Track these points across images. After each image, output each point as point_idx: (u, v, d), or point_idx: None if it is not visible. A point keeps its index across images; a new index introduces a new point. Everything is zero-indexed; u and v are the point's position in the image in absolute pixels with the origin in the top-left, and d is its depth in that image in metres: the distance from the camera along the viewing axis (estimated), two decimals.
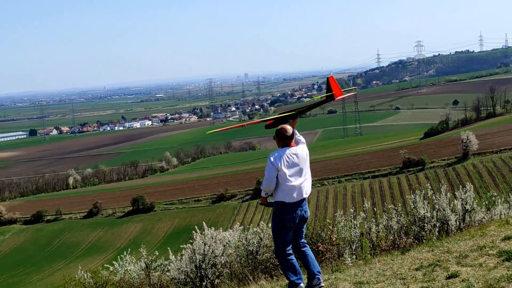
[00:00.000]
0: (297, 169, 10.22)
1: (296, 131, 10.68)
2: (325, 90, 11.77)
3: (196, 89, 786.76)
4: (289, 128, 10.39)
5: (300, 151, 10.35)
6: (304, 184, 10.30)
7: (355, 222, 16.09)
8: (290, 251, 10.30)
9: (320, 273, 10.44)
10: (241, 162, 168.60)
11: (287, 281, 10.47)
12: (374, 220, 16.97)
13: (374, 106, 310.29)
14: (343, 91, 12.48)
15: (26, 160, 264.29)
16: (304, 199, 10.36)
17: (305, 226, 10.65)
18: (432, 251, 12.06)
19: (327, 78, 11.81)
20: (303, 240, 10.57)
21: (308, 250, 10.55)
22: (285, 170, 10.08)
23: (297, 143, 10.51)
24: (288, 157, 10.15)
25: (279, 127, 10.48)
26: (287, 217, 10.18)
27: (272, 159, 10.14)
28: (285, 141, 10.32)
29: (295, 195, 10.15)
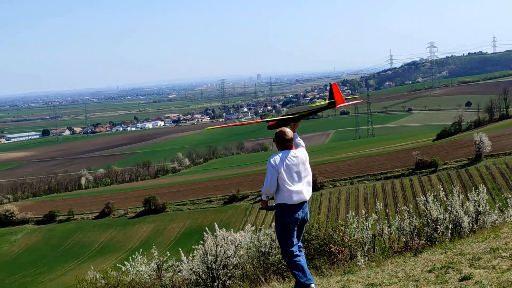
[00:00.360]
0: (297, 171, 10.29)
1: (297, 134, 10.77)
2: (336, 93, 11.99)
3: (208, 89, 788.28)
4: (288, 131, 10.47)
5: (300, 154, 10.44)
6: (304, 186, 10.37)
7: (367, 223, 16.04)
8: (297, 252, 10.38)
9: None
10: (253, 163, 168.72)
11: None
12: (386, 222, 16.90)
13: (387, 107, 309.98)
14: (345, 99, 12.78)
15: (39, 160, 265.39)
16: (305, 201, 10.43)
17: (304, 228, 10.75)
18: (445, 253, 12.02)
19: (330, 85, 12.20)
20: (299, 244, 10.66)
21: (302, 257, 10.60)
22: (285, 172, 10.15)
23: (296, 146, 10.60)
24: (288, 160, 10.23)
25: (278, 130, 10.58)
26: (289, 220, 10.26)
27: (272, 161, 10.21)
28: (284, 144, 10.39)
29: (296, 197, 10.23)
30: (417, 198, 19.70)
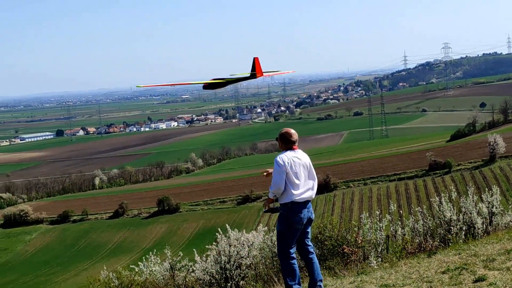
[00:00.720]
0: (303, 171, 10.46)
1: None
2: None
3: (222, 90, 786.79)
4: (293, 132, 10.66)
5: (303, 154, 10.65)
6: (310, 185, 10.54)
7: (380, 224, 16.02)
8: (294, 255, 10.51)
9: (321, 281, 10.63)
10: (267, 163, 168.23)
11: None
12: (400, 223, 16.88)
13: (401, 108, 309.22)
14: (264, 72, 15.86)
15: (53, 160, 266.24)
16: (310, 200, 10.56)
17: (310, 227, 10.81)
18: (459, 254, 11.99)
19: (253, 58, 14.40)
20: (310, 244, 10.77)
21: (314, 258, 10.71)
22: (292, 172, 10.30)
23: None
24: (293, 159, 10.41)
25: (284, 131, 10.74)
26: (295, 219, 10.35)
27: (280, 161, 10.36)
28: (288, 144, 10.59)
29: (302, 195, 10.37)
30: (431, 199, 19.66)
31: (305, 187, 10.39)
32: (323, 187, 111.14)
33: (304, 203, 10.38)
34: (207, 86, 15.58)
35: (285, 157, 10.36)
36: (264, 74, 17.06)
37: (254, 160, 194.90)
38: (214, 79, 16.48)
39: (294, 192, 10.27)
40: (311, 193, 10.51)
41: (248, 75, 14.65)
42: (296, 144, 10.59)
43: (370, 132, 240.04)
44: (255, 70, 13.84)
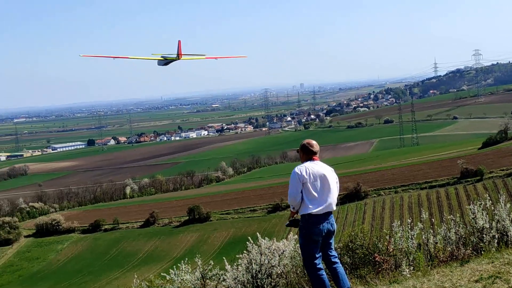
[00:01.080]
0: (322, 182, 10.36)
1: None
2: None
3: (251, 99, 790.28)
4: (315, 143, 10.66)
5: (324, 164, 10.57)
6: (330, 197, 10.39)
7: (412, 233, 15.91)
8: (320, 265, 10.41)
9: None
10: None
11: None
12: (431, 231, 16.74)
13: (431, 115, 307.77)
14: (184, 54, 22.14)
15: (84, 169, 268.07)
16: (330, 212, 10.42)
17: (333, 238, 10.73)
18: (492, 262, 11.88)
19: (178, 41, 19.68)
20: (334, 253, 10.68)
21: (339, 266, 10.63)
22: (310, 183, 10.26)
23: None
24: (313, 170, 10.34)
25: (305, 141, 10.80)
26: (314, 230, 10.28)
27: (298, 171, 10.37)
28: (309, 155, 10.58)
29: (321, 207, 10.26)
30: (464, 207, 19.53)
31: (323, 199, 10.26)
32: (354, 195, 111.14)
33: (324, 215, 10.28)
34: (159, 62, 22.07)
35: (303, 167, 10.34)
36: (182, 56, 21.81)
37: (284, 168, 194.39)
38: (161, 56, 22.32)
39: (310, 204, 10.20)
40: (331, 205, 10.38)
41: (175, 56, 19.43)
42: (317, 155, 10.53)
43: (401, 139, 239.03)
44: (178, 52, 17.77)
